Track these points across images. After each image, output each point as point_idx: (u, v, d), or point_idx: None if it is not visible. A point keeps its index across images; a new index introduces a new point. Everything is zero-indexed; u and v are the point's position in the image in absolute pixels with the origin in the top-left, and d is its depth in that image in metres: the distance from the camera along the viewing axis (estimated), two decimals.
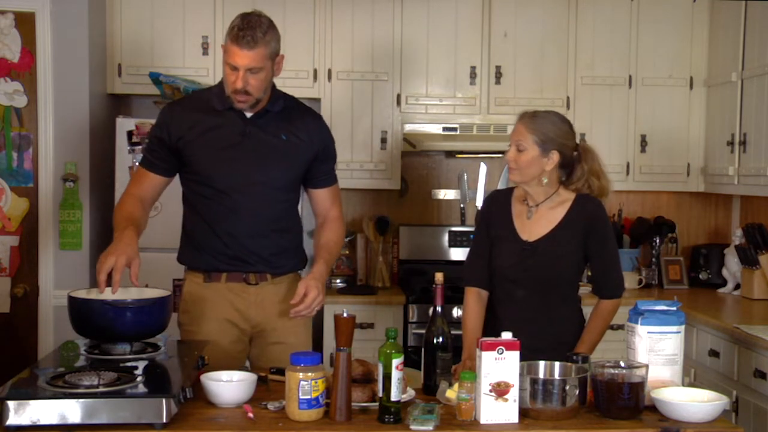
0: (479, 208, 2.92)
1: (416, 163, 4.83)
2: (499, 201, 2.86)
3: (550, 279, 2.73)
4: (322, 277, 2.75)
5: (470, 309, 2.83)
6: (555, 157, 2.71)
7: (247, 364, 2.89)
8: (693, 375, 3.79)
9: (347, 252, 4.60)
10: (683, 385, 2.39)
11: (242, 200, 2.77)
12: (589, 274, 2.85)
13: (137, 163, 2.95)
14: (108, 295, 2.48)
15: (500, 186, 4.45)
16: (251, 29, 2.63)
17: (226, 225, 2.77)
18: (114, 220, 2.72)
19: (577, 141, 2.80)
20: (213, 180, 2.76)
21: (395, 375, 2.14)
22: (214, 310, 2.81)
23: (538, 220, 2.76)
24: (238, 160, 2.75)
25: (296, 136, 2.82)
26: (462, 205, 4.78)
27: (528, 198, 2.78)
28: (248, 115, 2.78)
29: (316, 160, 2.87)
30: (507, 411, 2.17)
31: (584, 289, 2.92)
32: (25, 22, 3.94)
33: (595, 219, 2.74)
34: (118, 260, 2.46)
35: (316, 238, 2.93)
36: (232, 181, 2.76)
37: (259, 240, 2.79)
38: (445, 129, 4.47)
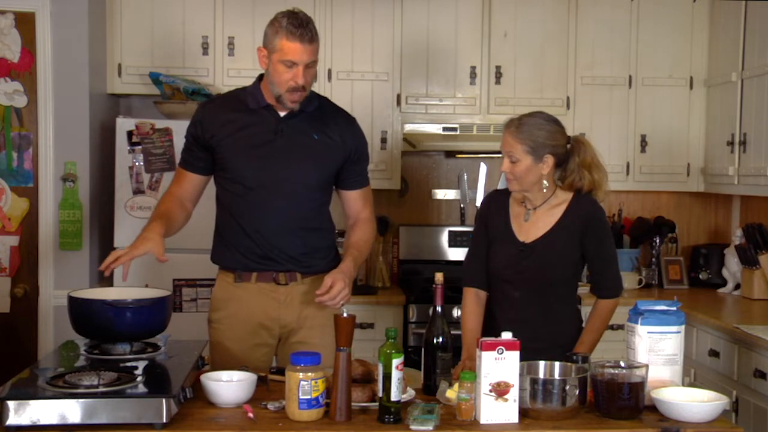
0: (478, 207, 2.92)
1: (416, 163, 4.83)
2: (498, 201, 2.86)
3: (547, 280, 2.73)
4: (349, 272, 2.75)
5: (469, 309, 2.83)
6: (550, 160, 2.70)
7: (274, 364, 2.88)
8: (693, 375, 3.80)
9: None
10: (683, 385, 2.39)
11: (272, 198, 2.78)
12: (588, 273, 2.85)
13: (178, 165, 2.95)
14: (108, 295, 2.48)
15: (500, 186, 4.44)
16: (306, 25, 2.67)
17: (256, 223, 2.78)
18: (152, 214, 2.79)
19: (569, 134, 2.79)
20: (244, 177, 2.78)
21: (395, 375, 2.14)
22: (243, 311, 2.82)
23: (535, 222, 2.76)
24: (270, 158, 2.77)
25: (328, 136, 2.83)
26: (462, 205, 4.78)
27: (526, 201, 2.78)
28: (282, 114, 2.80)
29: (348, 161, 2.88)
30: (507, 411, 2.17)
31: (584, 290, 2.92)
32: (25, 22, 3.94)
33: (592, 219, 2.74)
34: (133, 250, 2.58)
35: (346, 237, 2.94)
36: (263, 179, 2.77)
37: (288, 238, 2.80)
38: (445, 129, 4.47)
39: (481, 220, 2.88)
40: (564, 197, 2.76)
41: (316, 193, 2.85)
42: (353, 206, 2.94)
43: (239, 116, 2.80)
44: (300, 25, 2.66)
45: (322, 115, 2.86)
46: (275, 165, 2.77)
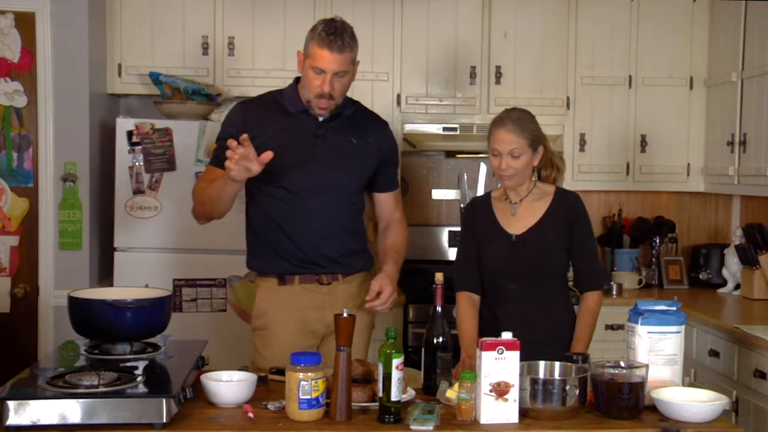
0: (462, 216, 2.98)
1: (416, 163, 4.82)
2: (481, 205, 2.93)
3: (541, 270, 2.79)
4: (394, 275, 2.80)
5: (464, 312, 2.86)
6: (542, 151, 2.81)
7: None
8: (693, 375, 3.79)
9: None
10: (683, 385, 2.39)
11: (315, 202, 2.79)
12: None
13: (207, 164, 2.92)
14: (108, 295, 2.48)
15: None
16: (339, 34, 2.67)
17: (299, 227, 2.79)
18: (208, 190, 2.72)
19: None
20: (286, 182, 2.77)
21: (395, 375, 2.14)
22: (289, 314, 2.82)
23: (522, 214, 2.82)
24: (312, 162, 2.78)
25: (365, 140, 2.87)
26: (462, 205, 4.77)
27: (511, 195, 2.85)
28: (320, 118, 2.81)
29: (382, 164, 2.93)
30: (507, 411, 2.17)
31: None
32: (25, 22, 3.94)
33: (578, 211, 2.82)
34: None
35: (381, 240, 2.98)
36: (306, 183, 2.78)
37: (330, 242, 2.82)
38: (445, 129, 4.47)
39: (468, 227, 2.92)
40: (547, 189, 2.85)
41: (355, 197, 2.90)
42: (386, 209, 3.00)
43: (279, 119, 2.81)
44: (332, 33, 2.67)
45: (358, 119, 2.89)
46: (317, 169, 2.78)
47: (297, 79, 2.87)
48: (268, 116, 2.81)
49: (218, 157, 2.81)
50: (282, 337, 2.81)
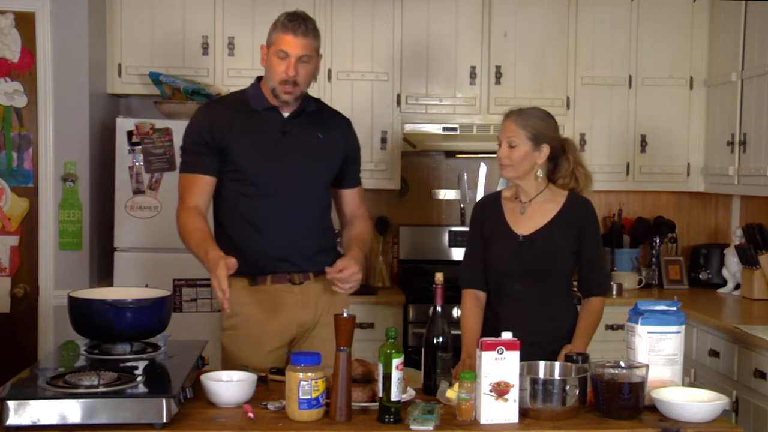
0: (472, 214, 2.96)
1: (416, 163, 4.82)
2: (490, 204, 2.92)
3: (547, 271, 2.77)
4: (358, 258, 2.78)
5: (468, 310, 2.85)
6: (546, 150, 2.78)
7: None
8: (693, 375, 3.80)
9: None
10: (683, 385, 2.39)
11: (287, 199, 2.78)
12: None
13: (179, 172, 2.86)
14: (108, 295, 2.48)
15: (500, 186, 4.45)
16: (302, 20, 2.72)
17: (272, 225, 2.77)
18: (189, 242, 2.70)
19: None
20: (257, 179, 2.76)
21: (395, 375, 2.14)
22: (261, 315, 2.80)
23: (531, 214, 2.80)
24: (281, 158, 2.77)
25: (331, 135, 2.87)
26: (462, 205, 4.78)
27: (520, 194, 2.84)
28: (285, 114, 2.81)
29: (348, 160, 2.93)
30: (507, 411, 2.17)
31: None
32: (25, 22, 3.94)
33: (588, 216, 2.82)
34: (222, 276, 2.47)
35: (346, 233, 2.96)
36: (277, 180, 2.77)
37: (305, 240, 2.81)
38: (445, 129, 4.47)
39: (476, 225, 2.91)
40: (559, 193, 2.83)
41: (325, 192, 2.89)
42: (350, 204, 2.99)
43: (245, 117, 2.79)
44: (295, 19, 2.71)
45: (322, 115, 2.89)
46: (287, 165, 2.77)
47: (259, 78, 2.86)
48: (234, 115, 2.79)
49: (188, 163, 2.79)
50: (253, 336, 2.78)
